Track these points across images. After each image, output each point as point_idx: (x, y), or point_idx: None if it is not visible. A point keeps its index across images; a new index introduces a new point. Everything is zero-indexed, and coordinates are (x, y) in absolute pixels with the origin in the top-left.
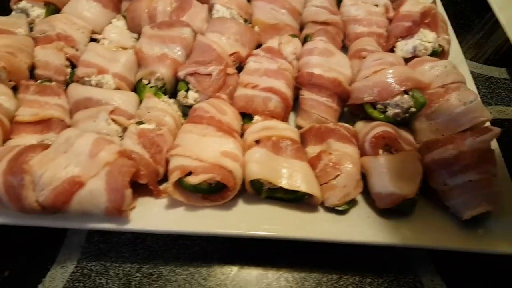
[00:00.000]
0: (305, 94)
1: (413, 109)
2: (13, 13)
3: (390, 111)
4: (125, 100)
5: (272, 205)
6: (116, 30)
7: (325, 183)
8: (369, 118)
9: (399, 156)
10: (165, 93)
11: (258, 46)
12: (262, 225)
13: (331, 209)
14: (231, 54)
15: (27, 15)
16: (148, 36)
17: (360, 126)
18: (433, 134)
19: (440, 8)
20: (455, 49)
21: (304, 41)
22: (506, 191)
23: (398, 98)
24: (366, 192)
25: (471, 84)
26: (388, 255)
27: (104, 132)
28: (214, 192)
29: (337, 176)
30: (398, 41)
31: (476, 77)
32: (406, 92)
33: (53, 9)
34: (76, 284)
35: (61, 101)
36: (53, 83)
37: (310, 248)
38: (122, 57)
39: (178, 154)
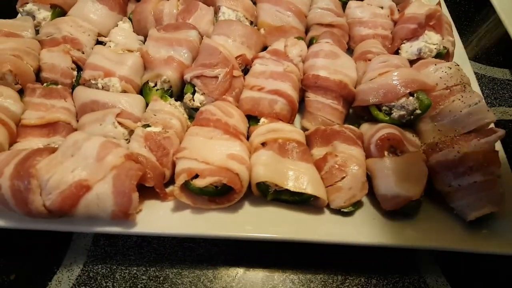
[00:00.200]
0: (311, 96)
1: (418, 111)
2: (19, 15)
3: (396, 113)
4: (132, 103)
5: (278, 207)
6: (122, 32)
7: (330, 185)
8: (374, 120)
9: (404, 158)
10: (171, 96)
11: (264, 48)
12: (268, 227)
13: (337, 211)
14: (237, 57)
15: (33, 17)
16: (154, 38)
17: (366, 128)
18: (437, 136)
19: (445, 10)
20: (459, 51)
21: (310, 43)
22: (510, 192)
23: (403, 100)
24: (372, 194)
25: (475, 85)
26: (393, 256)
27: (110, 135)
28: (221, 195)
29: (343, 178)
30: (403, 43)
31: (479, 78)
32: (411, 94)
33: (59, 12)
34: (83, 287)
35: (68, 104)
36: (59, 86)
37: (315, 250)
38: (129, 59)
39: (185, 157)
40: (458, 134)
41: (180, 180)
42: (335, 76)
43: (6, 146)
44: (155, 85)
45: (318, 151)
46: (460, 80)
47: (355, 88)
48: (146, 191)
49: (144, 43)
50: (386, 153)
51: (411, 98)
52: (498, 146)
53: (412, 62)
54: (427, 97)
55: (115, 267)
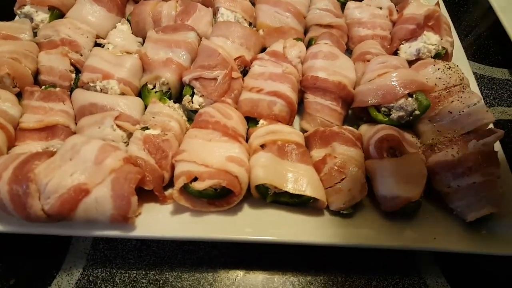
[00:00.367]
0: (310, 97)
1: (417, 112)
2: (17, 18)
3: (394, 114)
4: (130, 105)
5: (278, 209)
6: (121, 34)
7: (330, 187)
8: (373, 121)
9: (403, 159)
10: (170, 98)
11: (263, 49)
12: (268, 229)
13: (336, 213)
14: (236, 58)
15: (31, 20)
16: (153, 40)
17: (365, 129)
18: (436, 137)
19: (443, 10)
20: (457, 51)
21: (309, 44)
22: (510, 192)
23: (402, 101)
24: (371, 195)
25: (474, 85)
26: (393, 257)
27: (109, 138)
28: (220, 198)
29: (342, 179)
30: (402, 44)
31: (478, 78)
32: (410, 95)
33: (57, 14)
34: None
35: (66, 107)
36: (57, 89)
37: (315, 252)
38: (127, 62)
39: (184, 160)
40: (457, 135)
41: (179, 183)
42: (334, 77)
43: (5, 150)
44: (154, 87)
45: (317, 153)
46: (459, 80)
47: (354, 89)
48: (145, 194)
49: (142, 44)
50: (385, 154)
51: (410, 99)
52: (497, 146)
53: (411, 63)
54: (426, 98)
55: (114, 271)
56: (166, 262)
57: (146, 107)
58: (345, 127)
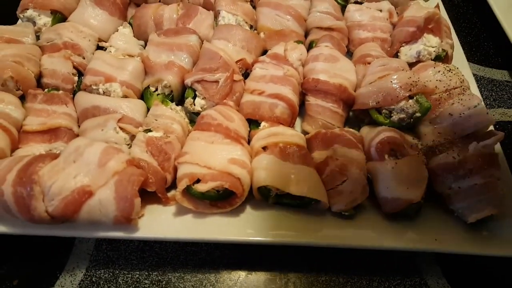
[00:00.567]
0: (311, 99)
1: (418, 114)
2: (19, 21)
3: (395, 116)
4: (133, 108)
5: (280, 211)
6: (123, 37)
7: (331, 189)
8: (374, 123)
9: (404, 161)
10: (172, 101)
11: (264, 52)
12: (270, 231)
13: (338, 214)
14: (237, 61)
15: (34, 23)
16: (155, 43)
17: (366, 131)
18: (437, 139)
19: (443, 12)
20: (457, 52)
21: (309, 47)
22: (510, 194)
23: (403, 103)
24: (372, 197)
25: (474, 87)
26: (395, 258)
27: (112, 140)
28: (222, 199)
29: (344, 181)
30: (402, 46)
31: (478, 79)
32: (410, 97)
33: (60, 18)
34: None
35: (69, 109)
36: (60, 92)
37: (317, 253)
38: (129, 65)
39: (187, 162)
40: (457, 137)
41: (182, 185)
42: (334, 79)
43: (8, 153)
44: (156, 90)
45: (319, 155)
46: (459, 83)
47: (354, 91)
48: (148, 196)
49: (144, 48)
50: (386, 156)
51: (410, 101)
52: (498, 148)
53: (411, 65)
54: (426, 100)
55: (117, 272)
56: (169, 263)
57: (148, 109)
58: (346, 129)
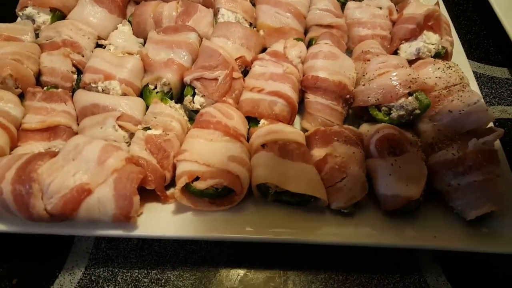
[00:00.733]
0: (310, 97)
1: (417, 111)
2: (18, 19)
3: (395, 113)
4: (132, 105)
5: (279, 208)
6: (122, 35)
7: (331, 186)
8: (374, 120)
9: (403, 158)
10: (171, 98)
11: (263, 50)
12: (269, 228)
13: (337, 212)
14: (237, 59)
15: (33, 21)
16: (154, 41)
17: (365, 128)
18: (437, 136)
19: (443, 9)
20: (457, 50)
21: (309, 44)
22: (510, 191)
23: (402, 100)
24: (372, 194)
25: (473, 84)
26: (394, 256)
27: (111, 138)
28: (221, 197)
29: (343, 178)
30: (402, 43)
31: (478, 77)
32: (410, 94)
33: (59, 15)
34: None
35: (68, 107)
36: (59, 90)
37: (316, 250)
38: (129, 62)
39: (186, 159)
40: (457, 134)
41: (181, 183)
42: (334, 77)
43: (7, 151)
44: (155, 87)
45: (318, 152)
46: (459, 80)
47: (354, 88)
48: (147, 194)
49: (143, 45)
50: (385, 153)
51: (410, 98)
52: (497, 145)
53: (411, 62)
54: (426, 97)
55: (116, 270)
56: (168, 261)
57: (147, 107)
58: (345, 126)
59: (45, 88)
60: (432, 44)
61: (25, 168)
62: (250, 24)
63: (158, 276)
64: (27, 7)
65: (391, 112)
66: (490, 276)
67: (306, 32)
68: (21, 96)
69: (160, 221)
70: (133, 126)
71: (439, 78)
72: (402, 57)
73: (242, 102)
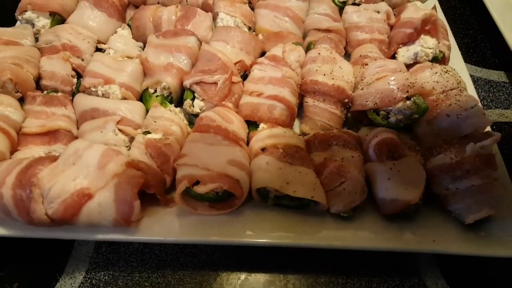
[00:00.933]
0: (309, 101)
1: (415, 115)
2: (18, 23)
3: (393, 118)
4: (132, 110)
5: (279, 212)
6: (122, 39)
7: (330, 190)
8: (372, 124)
9: (402, 162)
10: (171, 102)
11: (262, 54)
12: (269, 232)
13: (337, 216)
14: (236, 63)
15: (33, 25)
16: (153, 45)
17: (364, 132)
18: (435, 140)
19: (440, 14)
20: (454, 53)
21: (307, 48)
22: (508, 194)
23: (400, 104)
24: (371, 198)
25: (471, 88)
26: (393, 259)
27: (111, 142)
28: (221, 201)
29: (342, 182)
30: (399, 48)
31: (475, 80)
32: (408, 98)
33: (58, 19)
34: None
35: (68, 111)
36: (59, 94)
37: (316, 254)
38: (128, 66)
39: (186, 164)
40: (455, 138)
41: (181, 187)
42: (333, 81)
43: (7, 155)
44: (155, 91)
45: (317, 156)
46: (456, 84)
47: (353, 92)
48: (147, 198)
49: (143, 49)
50: (384, 157)
51: (408, 102)
52: (495, 149)
53: (408, 67)
54: (424, 101)
55: (117, 274)
56: (169, 265)
57: (147, 111)
58: (344, 130)
59: (45, 92)
60: (430, 48)
61: (26, 173)
62: (249, 28)
63: (159, 280)
64: (26, 11)
65: (390, 116)
66: (489, 279)
67: (304, 36)
68: (21, 100)
69: (160, 225)
70: (133, 130)
71: (437, 82)
72: (400, 62)
73: (241, 106)
